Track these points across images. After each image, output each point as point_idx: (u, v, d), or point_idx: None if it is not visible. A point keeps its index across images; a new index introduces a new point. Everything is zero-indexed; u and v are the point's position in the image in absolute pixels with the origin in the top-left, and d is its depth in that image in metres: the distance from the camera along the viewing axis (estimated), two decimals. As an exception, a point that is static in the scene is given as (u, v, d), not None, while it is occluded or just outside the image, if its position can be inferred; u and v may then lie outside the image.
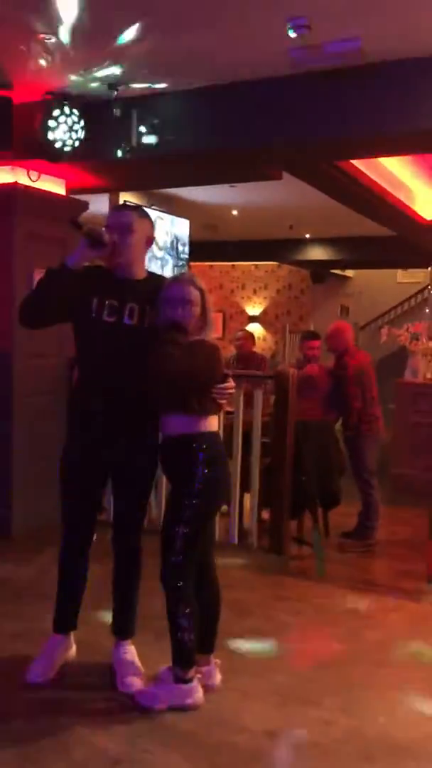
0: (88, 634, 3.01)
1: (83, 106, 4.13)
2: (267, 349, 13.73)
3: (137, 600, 2.88)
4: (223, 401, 2.68)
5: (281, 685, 2.83)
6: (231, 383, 2.68)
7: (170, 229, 7.73)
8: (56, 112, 4.06)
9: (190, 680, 2.62)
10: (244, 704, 2.68)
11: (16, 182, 4.44)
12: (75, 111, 4.11)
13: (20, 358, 4.56)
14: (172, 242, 7.79)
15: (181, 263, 7.92)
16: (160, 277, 2.88)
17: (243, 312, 14.16)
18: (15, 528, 4.57)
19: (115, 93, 4.00)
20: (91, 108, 4.15)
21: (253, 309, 14.16)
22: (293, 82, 3.72)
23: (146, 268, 2.84)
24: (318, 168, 4.48)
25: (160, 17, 3.17)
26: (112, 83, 3.96)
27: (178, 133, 4.00)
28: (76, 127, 4.12)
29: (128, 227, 2.64)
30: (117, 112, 4.03)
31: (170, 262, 7.74)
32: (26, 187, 4.49)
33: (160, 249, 7.59)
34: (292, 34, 3.11)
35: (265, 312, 14.13)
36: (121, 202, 6.97)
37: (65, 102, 4.08)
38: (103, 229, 2.58)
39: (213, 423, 2.68)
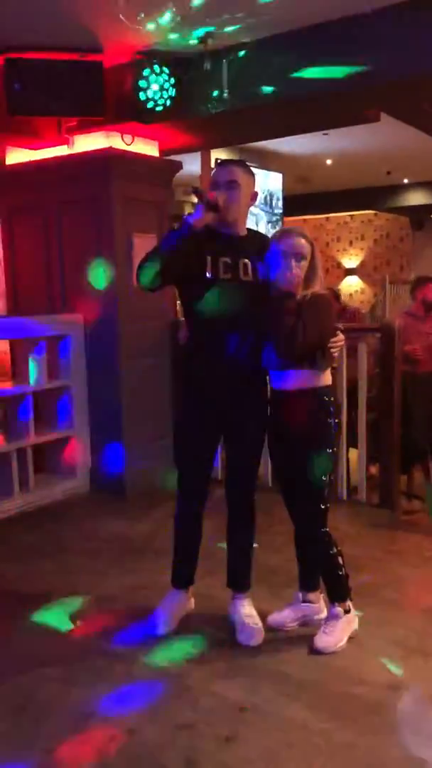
0: (205, 587, 3.09)
1: (172, 63, 4.08)
2: (366, 302, 13.36)
3: (253, 553, 2.92)
4: (336, 354, 2.69)
5: (401, 638, 2.81)
6: (342, 336, 2.69)
7: (264, 185, 7.59)
8: (147, 72, 4.04)
9: (350, 609, 2.79)
10: (365, 657, 2.69)
11: (111, 147, 4.48)
12: (165, 69, 4.07)
13: (125, 323, 4.65)
14: (265, 197, 7.66)
15: (275, 218, 7.79)
16: (262, 234, 2.87)
17: (339, 265, 13.81)
18: (128, 487, 4.73)
19: (204, 47, 3.91)
20: (180, 64, 4.09)
21: (350, 261, 13.77)
22: (385, 15, 3.51)
23: None
24: (419, 107, 4.24)
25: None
26: (203, 38, 3.88)
27: (268, 81, 3.88)
28: (166, 85, 4.08)
29: (235, 183, 2.64)
30: (207, 65, 3.96)
31: (264, 218, 7.63)
32: (121, 151, 4.52)
33: (255, 205, 7.48)
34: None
35: (362, 264, 13.71)
36: (213, 159, 6.91)
37: (155, 60, 4.04)
38: (214, 194, 2.57)
39: (330, 375, 2.73)
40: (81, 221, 4.69)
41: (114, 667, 2.65)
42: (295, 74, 3.82)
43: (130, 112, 4.21)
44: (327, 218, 13.68)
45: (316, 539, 2.72)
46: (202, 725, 2.30)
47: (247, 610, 2.86)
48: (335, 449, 2.70)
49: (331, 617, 2.76)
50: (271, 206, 7.75)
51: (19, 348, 4.69)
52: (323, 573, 2.79)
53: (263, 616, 2.89)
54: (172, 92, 4.11)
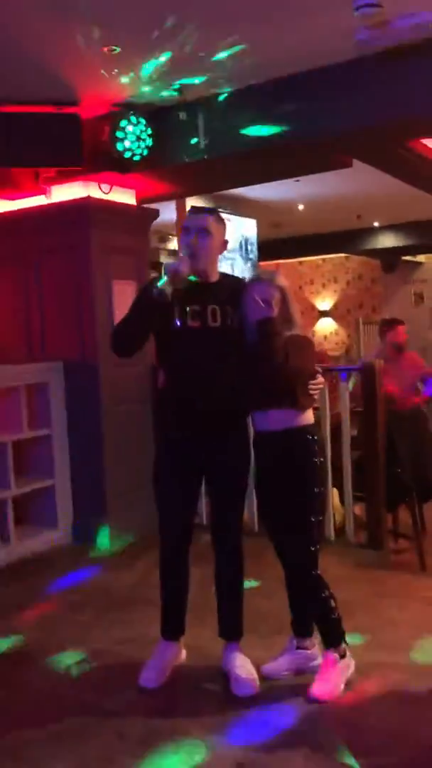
0: (196, 639, 3.01)
1: (149, 113, 4.16)
2: (340, 343, 13.52)
3: (243, 600, 2.86)
4: (316, 395, 2.72)
5: (399, 684, 2.74)
6: (321, 378, 2.72)
7: (238, 231, 7.71)
8: (123, 123, 4.11)
9: (346, 653, 2.73)
10: (366, 705, 2.62)
11: (89, 196, 4.52)
12: (142, 120, 4.15)
13: (106, 368, 4.63)
14: (240, 243, 7.76)
15: (250, 263, 7.89)
16: (235, 277, 2.90)
17: (314, 308, 13.99)
18: (112, 537, 4.63)
19: (181, 97, 4.01)
20: (156, 115, 4.18)
21: (324, 303, 13.96)
22: (356, 65, 3.64)
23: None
24: (389, 151, 4.36)
25: (214, 12, 3.13)
26: (179, 89, 3.97)
27: (243, 131, 3.97)
28: (143, 135, 4.16)
29: (206, 229, 2.66)
30: (183, 116, 4.05)
31: (240, 263, 7.72)
32: (99, 200, 4.56)
33: (229, 251, 7.58)
34: (359, 14, 3.03)
35: (335, 306, 13.90)
36: (187, 207, 7.00)
37: (132, 112, 4.12)
38: (178, 263, 2.56)
39: (312, 415, 2.74)
40: (60, 269, 4.71)
41: (104, 725, 2.55)
42: (265, 126, 3.92)
43: (107, 162, 4.27)
44: (300, 262, 13.91)
45: (307, 583, 2.67)
46: (200, 784, 2.21)
47: (239, 660, 2.78)
48: (323, 488, 2.68)
49: (327, 663, 2.70)
50: (246, 251, 7.85)
51: (2, 396, 4.63)
52: (316, 617, 2.74)
53: (257, 664, 2.81)
54: (149, 142, 4.19)
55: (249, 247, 7.89)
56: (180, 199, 6.78)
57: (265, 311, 2.58)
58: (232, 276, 3.02)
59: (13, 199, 4.87)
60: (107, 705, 2.68)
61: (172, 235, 8.73)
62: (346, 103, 3.71)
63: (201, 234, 2.65)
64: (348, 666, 2.73)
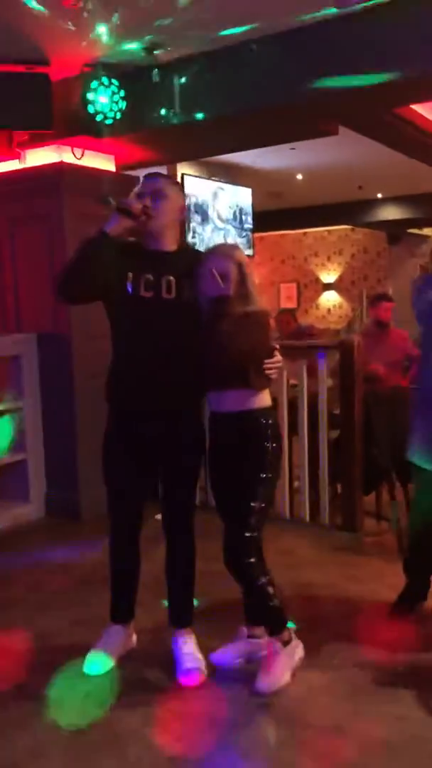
0: (150, 622, 2.91)
1: (122, 75, 3.97)
2: (344, 316, 13.30)
3: (193, 587, 2.76)
4: (273, 375, 2.56)
5: (352, 678, 2.64)
6: (278, 356, 2.56)
7: (232, 200, 7.50)
8: (95, 84, 3.93)
9: (292, 638, 2.63)
10: (310, 696, 2.52)
11: (61, 161, 4.35)
12: (114, 81, 3.96)
13: (79, 341, 4.50)
14: (234, 213, 7.56)
15: (244, 234, 7.69)
16: (195, 250, 2.76)
17: (318, 280, 13.76)
18: (83, 511, 4.55)
19: (153, 58, 3.81)
20: (130, 77, 3.99)
21: (328, 276, 13.71)
22: (338, 24, 3.42)
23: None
24: (376, 118, 4.15)
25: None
26: (150, 48, 3.77)
27: (219, 94, 3.78)
28: (116, 98, 3.98)
29: (160, 192, 2.52)
30: (155, 77, 3.85)
31: (233, 233, 7.52)
32: (72, 165, 4.39)
33: (223, 221, 7.39)
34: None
35: (340, 278, 13.66)
36: (178, 174, 6.80)
37: (103, 73, 3.93)
38: (132, 200, 2.46)
39: (269, 397, 2.61)
40: (33, 238, 4.56)
41: (39, 713, 2.47)
42: (247, 87, 3.72)
43: (79, 126, 4.09)
44: (305, 233, 13.64)
45: (239, 570, 2.52)
46: (128, 779, 2.13)
47: (187, 648, 2.69)
48: (271, 474, 2.54)
49: (270, 654, 2.59)
50: (240, 222, 7.64)
51: (-28, 369, 4.53)
52: (253, 606, 2.63)
53: (208, 653, 2.72)
54: (122, 105, 4.01)
55: (243, 217, 7.68)
56: (169, 166, 6.60)
57: (220, 288, 2.44)
58: (193, 248, 2.88)
59: (-15, 163, 4.70)
60: (44, 691, 2.60)
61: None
62: (324, 64, 3.50)
63: (155, 196, 2.50)
64: (293, 652, 2.63)
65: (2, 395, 4.54)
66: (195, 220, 6.95)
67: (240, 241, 7.57)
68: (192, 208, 6.86)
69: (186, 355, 2.49)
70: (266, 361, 2.50)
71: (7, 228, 4.66)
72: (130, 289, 2.50)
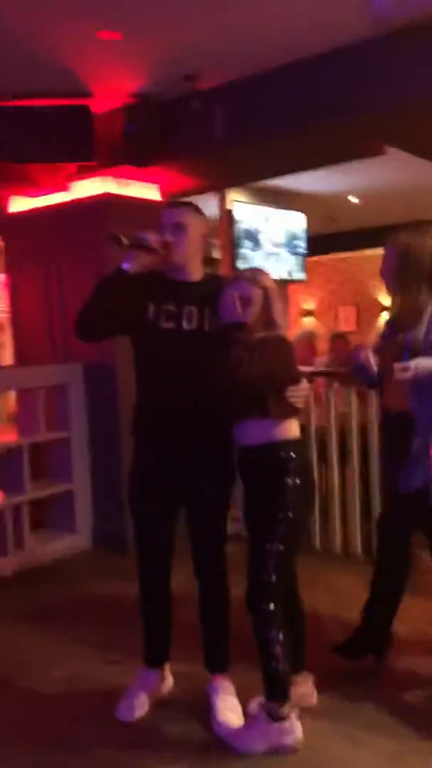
0: (188, 662, 2.78)
1: (163, 104, 3.97)
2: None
3: (228, 631, 2.62)
4: (299, 404, 2.40)
5: (401, 732, 2.45)
6: (305, 383, 2.43)
7: (284, 225, 7.43)
8: (135, 115, 3.93)
9: (286, 717, 2.33)
10: (355, 752, 2.35)
11: (106, 192, 4.37)
12: (154, 111, 3.96)
13: (125, 371, 4.44)
14: (287, 238, 7.48)
15: (298, 258, 7.59)
16: (219, 278, 2.69)
17: (378, 303, 13.48)
18: (130, 544, 4.46)
19: (193, 85, 3.79)
20: (169, 106, 3.98)
21: (387, 298, 13.45)
22: (377, 43, 3.31)
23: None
24: (425, 137, 4.00)
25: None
26: (189, 77, 3.76)
27: (260, 119, 3.72)
28: (157, 127, 3.97)
29: (181, 223, 2.44)
30: (196, 105, 3.82)
31: (286, 257, 7.44)
32: (116, 195, 4.40)
33: (274, 245, 7.31)
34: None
35: (400, 301, 13.37)
36: (229, 201, 6.78)
37: (145, 103, 3.94)
38: (149, 234, 2.40)
39: (295, 428, 2.43)
40: (80, 268, 4.57)
41: (69, 763, 2.38)
42: (286, 111, 3.65)
43: (121, 156, 4.11)
44: (364, 256, 13.43)
45: (252, 615, 2.33)
46: None
47: (222, 696, 2.55)
48: (293, 515, 2.33)
49: (252, 715, 2.40)
50: (293, 246, 7.56)
51: (21, 398, 4.56)
52: (259, 656, 2.36)
53: (246, 699, 2.57)
54: (163, 134, 3.99)
55: (296, 242, 7.59)
56: (219, 192, 6.58)
57: (238, 315, 2.33)
58: (218, 277, 2.80)
59: (36, 196, 4.78)
60: (78, 737, 2.51)
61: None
62: (374, 84, 3.39)
63: (175, 229, 2.44)
64: (279, 732, 2.31)
65: (50, 424, 4.54)
66: (245, 246, 6.90)
67: (293, 266, 7.48)
68: (242, 235, 6.82)
69: (209, 386, 2.38)
70: (290, 388, 2.36)
71: (55, 259, 4.70)
72: (150, 321, 2.44)
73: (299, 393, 2.38)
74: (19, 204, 4.89)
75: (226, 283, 2.49)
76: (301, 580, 2.61)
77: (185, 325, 2.44)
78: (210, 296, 2.44)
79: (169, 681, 2.76)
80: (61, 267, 4.69)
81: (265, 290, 2.39)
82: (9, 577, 4.11)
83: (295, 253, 7.56)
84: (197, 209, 2.55)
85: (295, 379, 2.38)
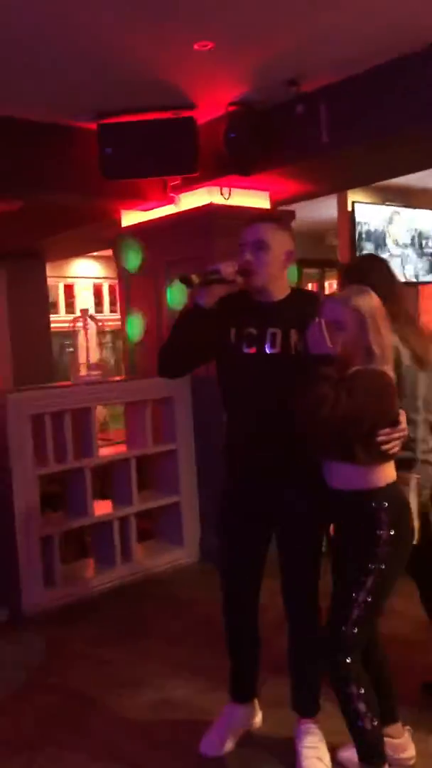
0: (278, 699, 2.63)
1: (266, 110, 3.84)
2: None
3: (317, 677, 2.45)
4: (392, 450, 2.12)
5: None
6: (403, 426, 2.14)
7: (410, 224, 7.04)
8: (239, 123, 3.83)
9: None
10: None
11: (210, 203, 4.31)
12: (258, 118, 3.84)
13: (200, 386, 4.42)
14: (413, 238, 7.09)
15: (426, 259, 7.18)
16: (310, 294, 2.49)
17: None
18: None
19: (297, 89, 3.63)
20: (273, 111, 3.84)
21: None
22: None
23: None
24: None
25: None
26: (292, 81, 3.60)
27: (367, 119, 3.50)
28: (260, 134, 3.84)
29: (261, 242, 2.29)
30: (300, 109, 3.66)
31: (412, 258, 7.05)
32: (221, 206, 4.33)
33: (400, 246, 6.96)
34: None
35: None
36: (349, 201, 6.53)
37: (247, 111, 3.83)
38: (222, 265, 2.26)
39: (390, 471, 2.17)
40: (188, 280, 4.56)
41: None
42: (395, 109, 3.40)
43: (226, 166, 4.02)
44: None
45: (334, 667, 2.14)
46: None
47: (308, 742, 2.40)
48: (384, 566, 2.10)
49: None
50: (420, 247, 7.15)
51: (129, 411, 4.61)
52: (343, 715, 2.16)
53: (336, 746, 2.40)
54: (267, 141, 3.86)
55: (423, 241, 7.18)
56: (340, 195, 6.35)
57: (325, 345, 2.07)
58: (307, 292, 2.62)
59: (146, 210, 4.81)
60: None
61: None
62: None
63: (255, 248, 2.29)
64: None
65: (157, 437, 4.55)
66: (367, 248, 6.60)
67: (420, 267, 7.09)
68: (363, 236, 6.54)
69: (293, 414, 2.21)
70: (380, 432, 2.08)
71: (163, 271, 4.72)
72: (232, 345, 2.32)
73: (394, 437, 2.11)
74: (130, 218, 4.95)
75: (316, 301, 2.32)
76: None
77: (268, 349, 2.30)
78: (298, 315, 2.27)
79: (258, 717, 2.64)
80: (170, 278, 4.69)
81: (359, 313, 2.11)
82: (115, 588, 4.15)
83: (423, 254, 7.15)
84: (280, 224, 2.40)
85: (392, 421, 2.12)
